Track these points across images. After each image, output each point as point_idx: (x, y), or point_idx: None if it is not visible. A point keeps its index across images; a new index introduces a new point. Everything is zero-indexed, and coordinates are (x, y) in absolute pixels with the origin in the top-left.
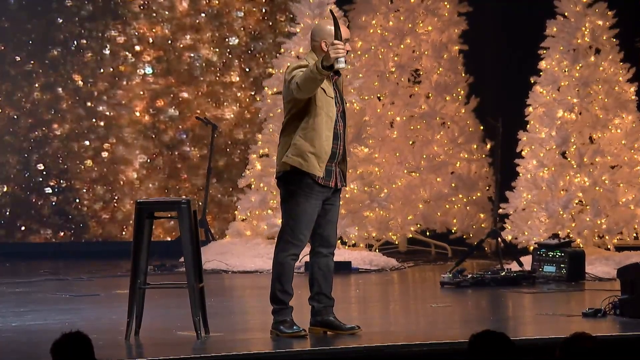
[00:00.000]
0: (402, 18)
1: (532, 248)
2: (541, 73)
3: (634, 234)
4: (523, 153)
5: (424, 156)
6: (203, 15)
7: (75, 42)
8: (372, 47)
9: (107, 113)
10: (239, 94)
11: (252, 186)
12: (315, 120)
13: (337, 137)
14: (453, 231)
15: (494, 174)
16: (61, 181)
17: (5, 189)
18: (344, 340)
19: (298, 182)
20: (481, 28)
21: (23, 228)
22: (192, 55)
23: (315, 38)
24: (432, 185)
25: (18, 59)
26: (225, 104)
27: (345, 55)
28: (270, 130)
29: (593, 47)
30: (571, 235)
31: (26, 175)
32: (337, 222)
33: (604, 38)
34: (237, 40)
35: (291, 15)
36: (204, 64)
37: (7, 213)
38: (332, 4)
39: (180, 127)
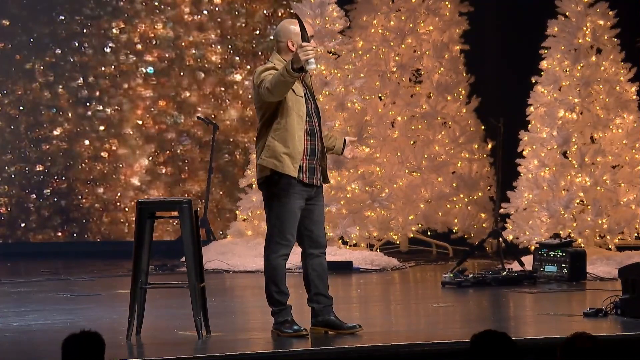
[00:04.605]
0: (403, 18)
1: (533, 248)
2: (542, 73)
3: (635, 234)
4: (524, 153)
5: (425, 156)
6: (205, 13)
7: (76, 41)
8: (373, 47)
9: (108, 112)
10: (240, 92)
11: (254, 186)
12: (287, 121)
13: (313, 134)
14: (454, 231)
15: (495, 173)
16: (63, 178)
17: (5, 189)
18: (345, 339)
19: (280, 183)
20: (482, 28)
21: (23, 225)
22: (194, 52)
23: (281, 39)
24: (433, 185)
25: (18, 57)
26: (227, 102)
27: (315, 55)
28: None
29: (594, 47)
30: (572, 235)
31: (26, 174)
32: (324, 221)
33: (605, 38)
34: (239, 39)
35: (293, 14)
36: (206, 63)
37: (8, 212)
38: (333, 3)
39: (182, 127)
